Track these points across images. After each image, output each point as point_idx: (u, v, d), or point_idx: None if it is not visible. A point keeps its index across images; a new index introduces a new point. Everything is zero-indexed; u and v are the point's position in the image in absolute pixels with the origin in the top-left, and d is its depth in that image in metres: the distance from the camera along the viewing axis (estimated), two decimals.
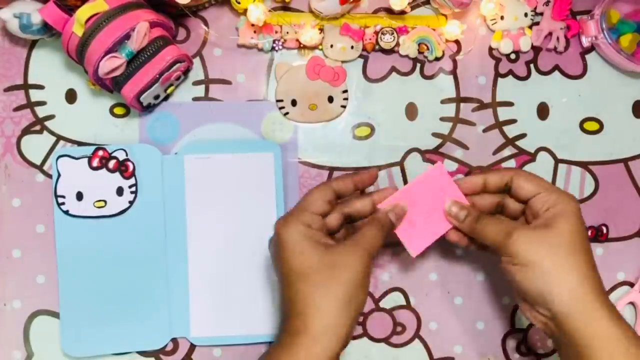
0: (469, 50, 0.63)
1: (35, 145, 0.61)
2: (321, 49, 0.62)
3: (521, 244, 0.49)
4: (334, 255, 0.48)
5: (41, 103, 0.61)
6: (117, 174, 0.59)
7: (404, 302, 0.63)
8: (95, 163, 0.59)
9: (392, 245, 0.62)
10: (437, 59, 0.62)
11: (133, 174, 0.59)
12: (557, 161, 0.63)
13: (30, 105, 0.61)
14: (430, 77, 0.63)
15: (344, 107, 0.62)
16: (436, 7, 0.62)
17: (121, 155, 0.59)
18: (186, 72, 0.61)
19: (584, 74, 0.64)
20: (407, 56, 0.62)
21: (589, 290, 0.48)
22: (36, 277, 0.60)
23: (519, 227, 0.50)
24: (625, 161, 0.64)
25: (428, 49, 0.62)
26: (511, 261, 0.50)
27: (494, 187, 0.54)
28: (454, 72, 0.63)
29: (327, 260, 0.48)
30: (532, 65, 0.63)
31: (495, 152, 0.63)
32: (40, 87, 0.61)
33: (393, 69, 0.63)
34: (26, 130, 0.61)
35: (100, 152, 0.59)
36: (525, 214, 0.53)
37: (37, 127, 0.61)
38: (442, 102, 0.63)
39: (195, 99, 0.62)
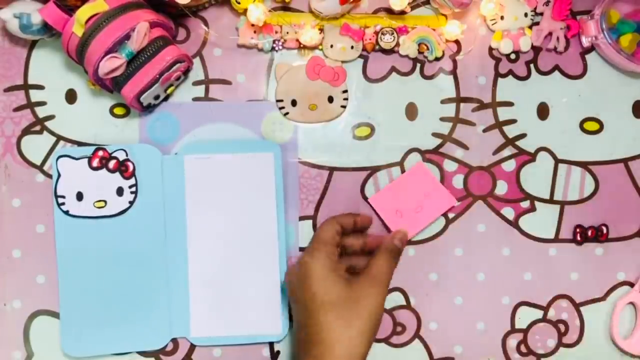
0: (469, 50, 0.63)
1: (35, 146, 0.61)
2: (321, 49, 0.62)
3: None
4: (356, 291, 0.53)
5: (41, 103, 0.61)
6: (117, 174, 0.59)
7: (404, 302, 0.63)
8: (95, 163, 0.59)
9: None
10: (437, 59, 0.62)
11: (133, 174, 0.59)
12: (557, 161, 0.63)
13: (30, 105, 0.61)
14: (430, 77, 0.63)
15: (344, 107, 0.62)
16: (436, 7, 0.62)
17: (121, 156, 0.59)
18: (186, 72, 0.61)
19: (584, 74, 0.64)
20: (407, 56, 0.62)
21: None
22: (36, 277, 0.60)
23: None
24: (625, 161, 0.64)
25: (428, 49, 0.62)
26: None
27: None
28: (454, 72, 0.63)
29: (351, 295, 0.53)
30: (532, 65, 0.63)
31: (495, 152, 0.63)
32: (40, 87, 0.61)
33: (393, 69, 0.63)
34: (26, 131, 0.61)
35: (100, 153, 0.59)
36: None
37: (37, 128, 0.61)
38: (442, 102, 0.63)
39: (195, 99, 0.62)
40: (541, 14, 0.63)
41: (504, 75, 0.63)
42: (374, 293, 0.53)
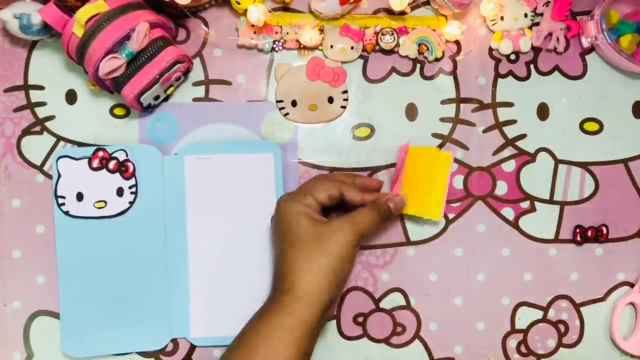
0: (469, 50, 0.63)
1: (36, 146, 0.61)
2: (321, 50, 0.62)
3: None
4: (323, 228, 0.53)
5: (41, 104, 0.61)
6: (117, 175, 0.59)
7: (404, 302, 0.63)
8: (95, 164, 0.59)
9: (392, 246, 0.62)
10: (437, 59, 0.62)
11: (133, 175, 0.59)
12: (557, 161, 0.63)
13: (31, 105, 0.61)
14: (430, 78, 0.63)
15: (344, 107, 0.62)
16: (436, 8, 0.62)
17: (121, 156, 0.59)
18: (186, 72, 0.61)
19: (584, 75, 0.64)
20: (407, 57, 0.62)
21: None
22: (36, 278, 0.60)
23: None
24: (625, 161, 0.64)
25: (428, 49, 0.62)
26: None
27: None
28: (454, 73, 0.63)
29: (317, 232, 0.53)
30: (532, 66, 0.63)
31: (495, 153, 0.63)
32: (41, 87, 0.61)
33: (393, 70, 0.63)
34: (26, 131, 0.61)
35: (101, 153, 0.59)
36: None
37: (37, 128, 0.61)
38: (442, 102, 0.63)
39: (195, 99, 0.62)
40: (541, 14, 0.63)
41: (504, 76, 0.63)
42: (344, 233, 0.52)
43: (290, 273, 0.52)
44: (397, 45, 0.61)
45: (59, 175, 0.59)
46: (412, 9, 0.62)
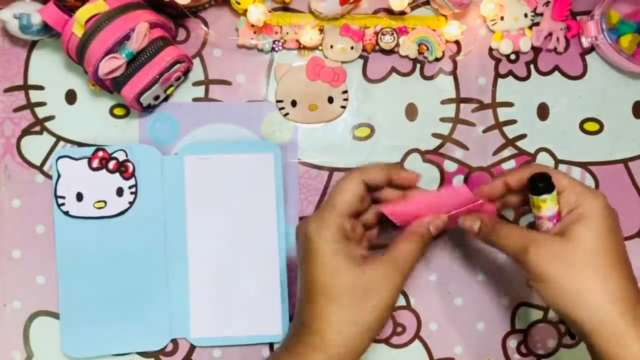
0: (469, 50, 0.63)
1: (35, 146, 0.61)
2: (321, 50, 0.62)
3: (538, 260, 0.46)
4: (367, 279, 0.46)
5: (41, 104, 0.61)
6: (117, 175, 0.59)
7: (404, 303, 0.63)
8: (95, 164, 0.59)
9: None
10: (437, 59, 0.62)
11: (133, 175, 0.59)
12: (557, 162, 0.63)
13: (30, 106, 0.61)
14: (430, 78, 0.63)
15: (344, 107, 0.62)
16: (436, 8, 0.62)
17: (121, 156, 0.59)
18: (186, 72, 0.61)
19: (584, 75, 0.64)
20: (407, 57, 0.62)
21: (617, 308, 0.44)
22: (36, 278, 0.60)
23: (536, 239, 0.47)
24: (625, 161, 0.64)
25: (428, 49, 0.62)
26: (530, 278, 0.47)
27: (517, 187, 0.52)
28: (454, 73, 0.63)
29: (360, 284, 0.46)
30: (532, 66, 0.63)
31: (495, 153, 0.63)
32: (40, 87, 0.61)
33: (393, 70, 0.63)
34: (26, 131, 0.61)
35: (100, 153, 0.59)
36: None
37: (37, 128, 0.61)
38: (442, 102, 0.63)
39: (195, 99, 0.62)
40: (541, 14, 0.63)
41: (504, 76, 0.63)
42: (389, 285, 0.46)
43: (323, 329, 0.46)
44: (397, 45, 0.61)
45: (59, 176, 0.59)
46: (412, 9, 0.62)
